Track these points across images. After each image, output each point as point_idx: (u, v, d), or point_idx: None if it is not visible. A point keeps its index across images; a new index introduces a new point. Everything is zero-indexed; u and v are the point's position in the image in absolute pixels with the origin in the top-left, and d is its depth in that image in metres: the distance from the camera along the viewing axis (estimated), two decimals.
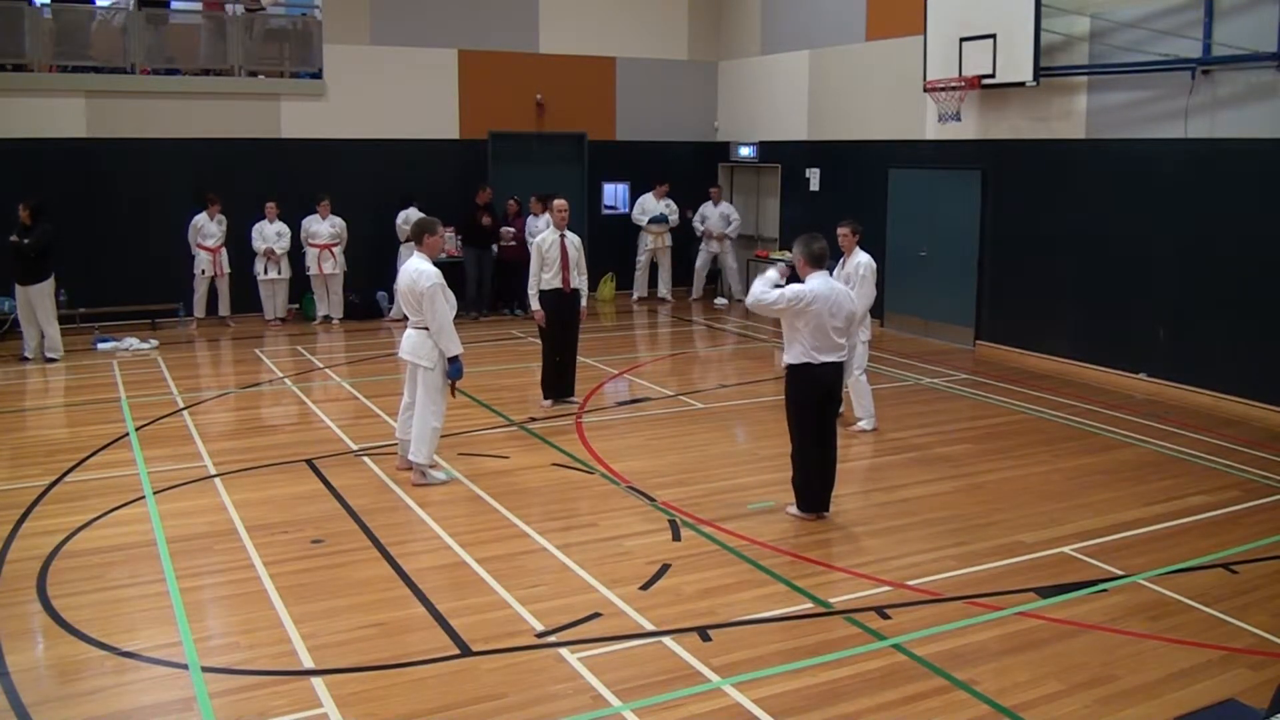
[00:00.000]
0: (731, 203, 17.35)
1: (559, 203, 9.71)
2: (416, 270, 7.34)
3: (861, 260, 8.71)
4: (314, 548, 6.37)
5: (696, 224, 16.59)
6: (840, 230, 8.82)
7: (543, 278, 9.55)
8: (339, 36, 14.80)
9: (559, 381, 9.88)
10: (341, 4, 14.78)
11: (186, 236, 13.83)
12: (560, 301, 9.61)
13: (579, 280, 9.69)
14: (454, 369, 7.45)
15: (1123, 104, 10.86)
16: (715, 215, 16.52)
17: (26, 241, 11.49)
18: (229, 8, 14.56)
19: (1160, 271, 10.56)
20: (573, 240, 9.67)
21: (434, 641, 5.16)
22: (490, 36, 15.73)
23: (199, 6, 15.07)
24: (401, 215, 14.54)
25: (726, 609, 5.53)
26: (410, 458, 7.55)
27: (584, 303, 9.83)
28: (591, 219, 16.79)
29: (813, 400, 6.67)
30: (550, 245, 9.54)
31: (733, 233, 16.59)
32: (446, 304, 7.36)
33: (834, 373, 6.67)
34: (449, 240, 15.30)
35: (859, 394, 9.03)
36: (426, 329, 7.39)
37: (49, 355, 11.82)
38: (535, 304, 9.63)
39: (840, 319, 6.61)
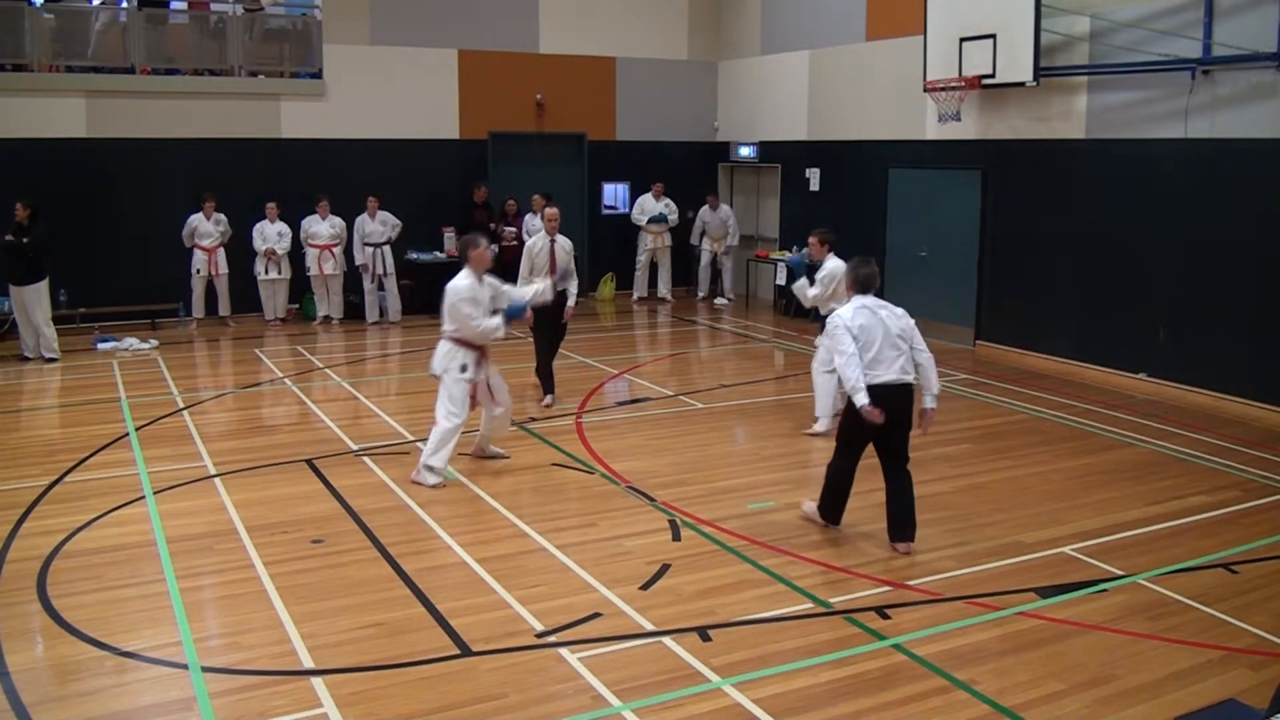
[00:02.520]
0: (731, 205, 17.38)
1: (550, 211, 10.05)
2: (452, 284, 7.60)
3: (828, 266, 8.66)
4: (314, 548, 6.37)
5: (696, 230, 16.59)
6: (810, 239, 8.89)
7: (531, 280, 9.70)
8: (339, 36, 14.80)
9: (547, 379, 10.09)
10: (341, 4, 14.78)
11: (182, 236, 13.81)
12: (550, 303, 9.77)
13: (567, 283, 9.83)
14: (513, 310, 7.78)
15: (1123, 104, 10.86)
16: (715, 221, 16.56)
17: (25, 241, 11.49)
18: (229, 7, 14.56)
19: (1160, 271, 10.56)
20: (562, 245, 9.94)
21: (434, 641, 5.16)
22: (490, 36, 15.73)
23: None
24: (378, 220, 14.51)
25: (726, 609, 5.53)
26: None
27: (570, 303, 10.02)
28: (591, 219, 16.81)
29: (864, 422, 6.28)
30: (540, 250, 9.86)
31: (732, 240, 16.61)
32: (475, 311, 7.48)
33: (895, 394, 6.26)
34: (449, 240, 15.34)
35: (819, 392, 8.96)
36: (454, 340, 7.58)
37: (47, 355, 11.82)
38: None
39: (893, 336, 6.31)
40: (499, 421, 8.03)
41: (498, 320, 7.54)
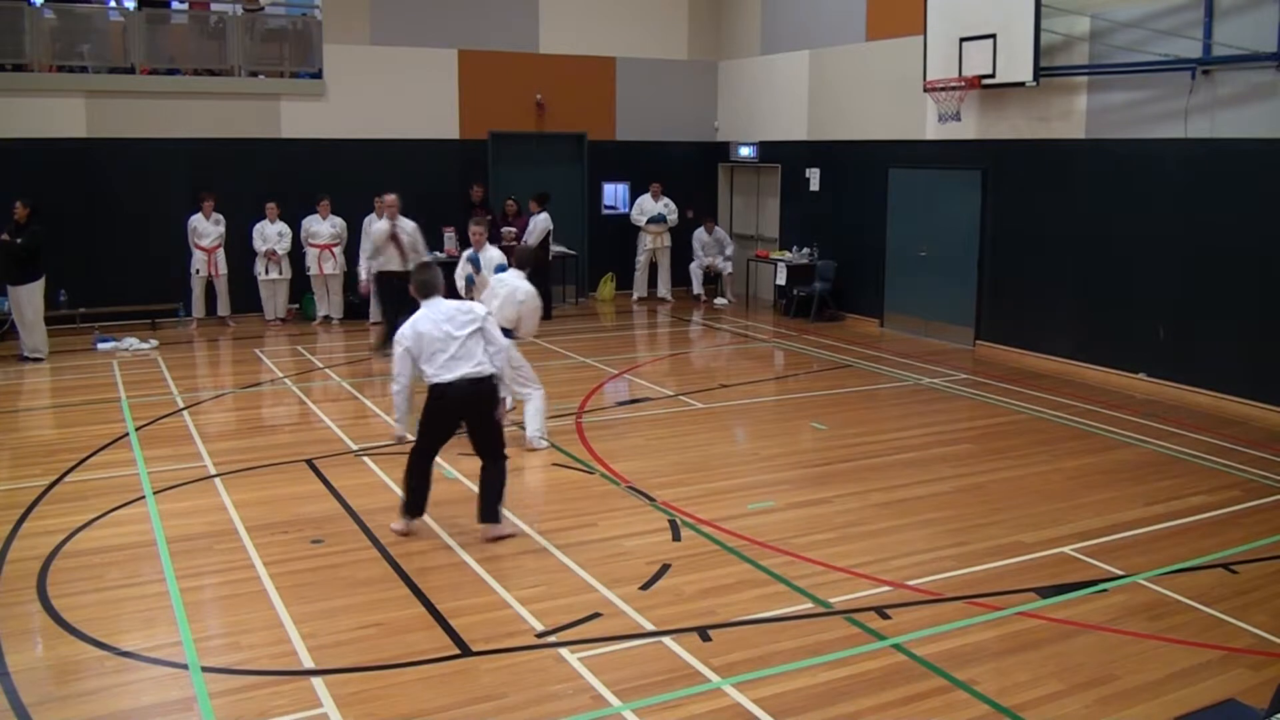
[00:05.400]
0: (731, 206, 17.39)
1: (389, 198, 11.52)
2: None
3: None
4: (314, 548, 6.37)
5: (697, 250, 16.61)
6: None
7: (379, 260, 11.62)
8: (339, 36, 14.80)
9: (382, 338, 11.71)
10: (341, 4, 14.78)
11: (186, 238, 13.84)
12: (396, 281, 11.05)
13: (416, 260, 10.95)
14: None
15: (1123, 104, 10.86)
16: (711, 241, 16.56)
17: (19, 241, 11.47)
18: (229, 8, 14.56)
19: (1160, 271, 10.56)
20: (404, 227, 11.56)
21: (434, 641, 5.16)
22: (490, 36, 15.73)
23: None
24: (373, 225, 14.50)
25: (726, 609, 5.53)
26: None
27: None
28: (591, 219, 16.82)
29: (438, 417, 6.40)
30: (383, 235, 11.45)
31: (728, 253, 16.60)
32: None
33: (465, 390, 6.26)
34: (449, 240, 15.33)
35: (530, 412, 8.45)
36: None
37: (34, 355, 11.76)
38: (365, 276, 12.02)
39: (458, 337, 6.27)
40: None
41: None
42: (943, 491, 7.55)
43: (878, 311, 14.43)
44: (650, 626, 5.32)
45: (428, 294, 6.49)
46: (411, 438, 6.51)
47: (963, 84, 12.00)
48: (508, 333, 7.99)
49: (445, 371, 6.27)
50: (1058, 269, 11.69)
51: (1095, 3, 10.90)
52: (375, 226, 11.84)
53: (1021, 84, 11.38)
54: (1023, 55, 11.25)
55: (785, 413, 10.09)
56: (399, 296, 10.93)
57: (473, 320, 6.38)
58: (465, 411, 6.42)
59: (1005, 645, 5.17)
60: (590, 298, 16.84)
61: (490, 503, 6.51)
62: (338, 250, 14.39)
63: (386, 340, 11.15)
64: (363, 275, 12.03)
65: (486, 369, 6.34)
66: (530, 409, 8.46)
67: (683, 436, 9.00)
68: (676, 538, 6.57)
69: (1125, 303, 10.94)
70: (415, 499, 6.57)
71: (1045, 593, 5.75)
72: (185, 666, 4.89)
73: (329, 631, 5.24)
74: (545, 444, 8.42)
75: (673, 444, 8.76)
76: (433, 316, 6.36)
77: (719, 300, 16.69)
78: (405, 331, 6.35)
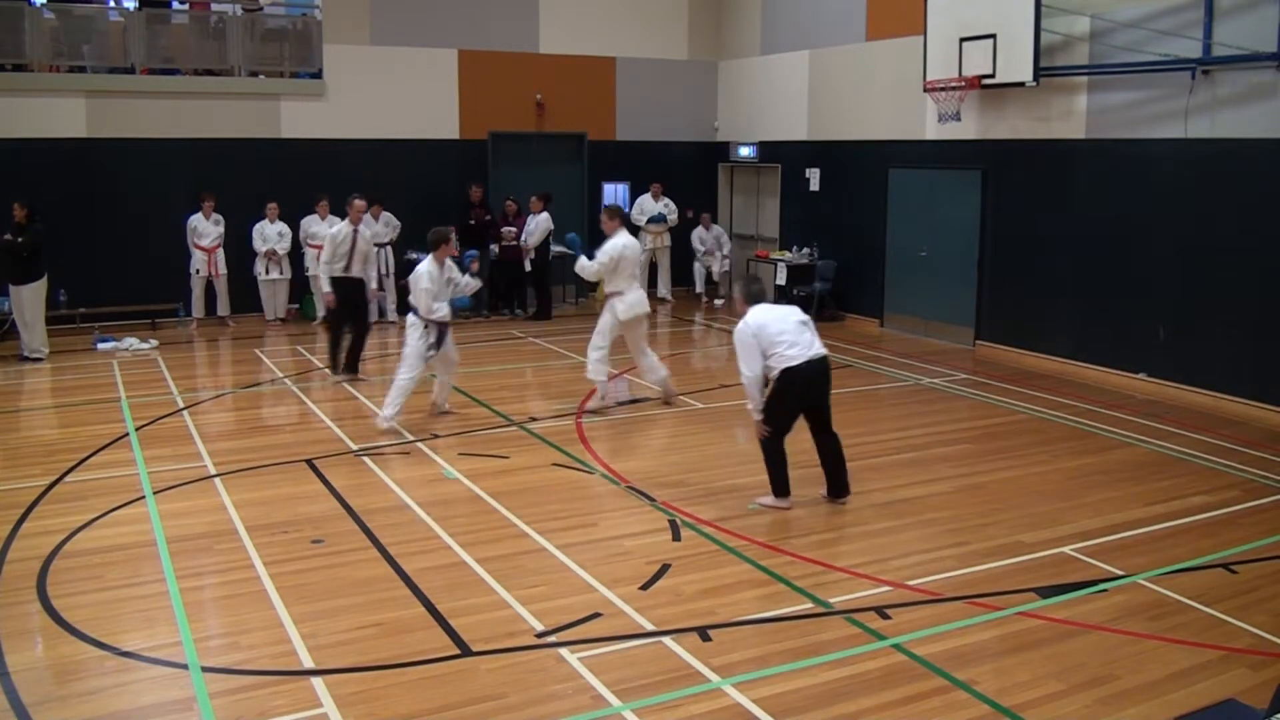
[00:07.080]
0: (731, 206, 17.39)
1: (358, 203, 10.85)
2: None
3: (611, 242, 9.50)
4: (314, 548, 6.37)
5: (696, 246, 16.77)
6: (601, 215, 9.83)
7: (334, 266, 10.71)
8: (339, 36, 14.80)
9: (347, 359, 10.90)
10: (341, 4, 14.78)
11: (186, 238, 13.85)
12: (349, 287, 10.77)
13: (362, 270, 10.81)
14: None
15: (1123, 104, 10.86)
16: (710, 238, 16.74)
17: (20, 240, 11.47)
18: (229, 8, 14.56)
19: (1160, 271, 10.56)
20: (364, 234, 10.82)
21: (434, 641, 5.16)
22: (490, 36, 15.73)
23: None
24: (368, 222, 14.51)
25: (726, 609, 5.53)
26: None
27: (372, 286, 11.08)
28: (592, 219, 16.79)
29: (790, 396, 7.00)
30: (344, 239, 10.66)
31: (726, 253, 16.71)
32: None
33: (816, 369, 6.95)
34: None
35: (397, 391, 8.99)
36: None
37: (34, 355, 11.76)
38: (327, 287, 10.83)
39: (795, 321, 7.00)
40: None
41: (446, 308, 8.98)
42: (943, 491, 7.55)
43: (878, 311, 14.43)
44: (650, 626, 5.32)
45: (759, 301, 7.13)
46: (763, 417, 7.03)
47: (963, 84, 12.00)
48: (416, 311, 8.96)
49: (792, 356, 6.84)
50: (1058, 269, 11.69)
51: (1095, 3, 10.90)
52: (337, 229, 10.80)
53: (1021, 84, 11.38)
54: (1023, 55, 11.25)
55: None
56: (351, 308, 10.76)
57: (800, 317, 7.05)
58: (813, 388, 7.00)
59: (1005, 645, 5.17)
60: (590, 297, 16.81)
61: (839, 479, 7.20)
62: None
63: (354, 361, 10.86)
64: (326, 287, 10.84)
65: (821, 350, 6.98)
66: (395, 389, 8.93)
67: (683, 436, 9.01)
68: (676, 538, 6.57)
69: (1125, 303, 10.94)
70: (783, 479, 7.10)
71: (1045, 593, 5.75)
72: (185, 666, 4.89)
73: (329, 631, 5.25)
74: (387, 425, 8.86)
75: (673, 444, 8.76)
76: (770, 313, 7.00)
77: (719, 300, 16.69)
78: (749, 328, 6.94)
